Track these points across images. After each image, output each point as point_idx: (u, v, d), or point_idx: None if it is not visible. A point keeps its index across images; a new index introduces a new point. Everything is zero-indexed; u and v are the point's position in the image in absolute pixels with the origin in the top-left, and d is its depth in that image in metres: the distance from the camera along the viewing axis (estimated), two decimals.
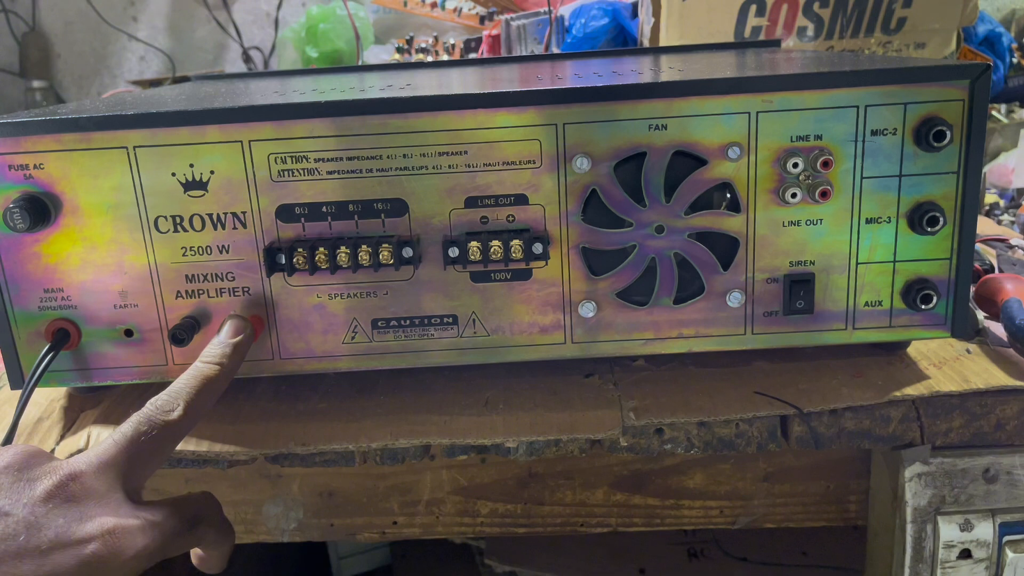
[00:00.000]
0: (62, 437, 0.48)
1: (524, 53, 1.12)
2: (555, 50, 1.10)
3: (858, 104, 0.43)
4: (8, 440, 0.48)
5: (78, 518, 0.35)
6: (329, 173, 0.44)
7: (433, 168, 0.44)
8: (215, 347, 0.44)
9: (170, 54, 1.71)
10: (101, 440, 0.44)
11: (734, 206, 0.45)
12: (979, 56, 1.01)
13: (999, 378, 0.47)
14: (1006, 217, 0.90)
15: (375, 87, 0.53)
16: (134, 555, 0.35)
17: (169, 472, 0.51)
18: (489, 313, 0.46)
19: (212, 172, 0.44)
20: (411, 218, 0.45)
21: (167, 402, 0.40)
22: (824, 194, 0.44)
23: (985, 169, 1.01)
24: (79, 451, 0.47)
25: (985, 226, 0.73)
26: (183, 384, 0.41)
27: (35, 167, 0.43)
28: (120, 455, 0.37)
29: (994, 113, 1.12)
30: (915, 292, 0.46)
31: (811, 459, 0.52)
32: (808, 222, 0.45)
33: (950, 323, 0.47)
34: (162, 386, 0.52)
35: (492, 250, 0.44)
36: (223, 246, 0.45)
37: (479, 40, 1.22)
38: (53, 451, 0.48)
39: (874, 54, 0.96)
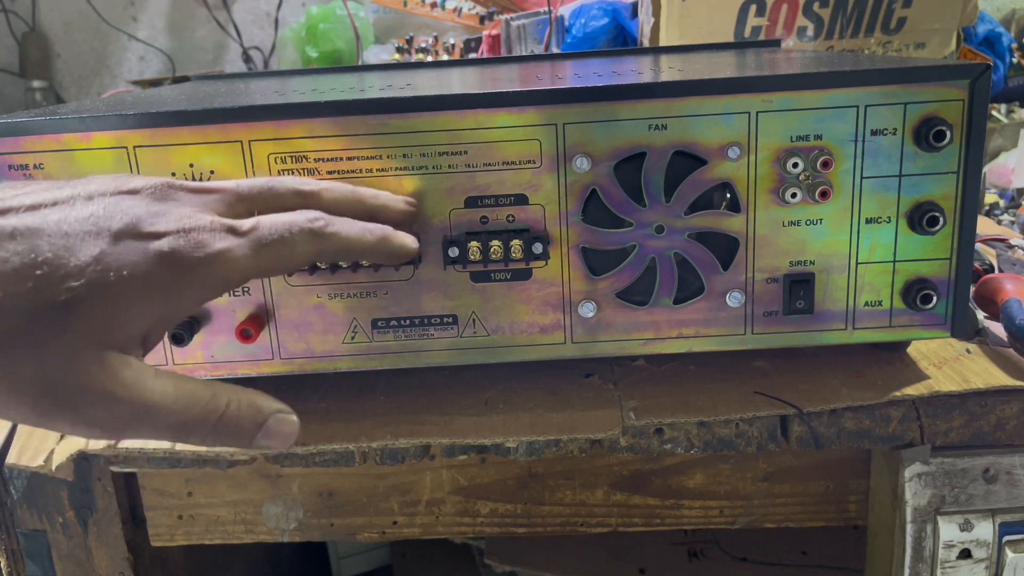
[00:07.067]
0: (62, 436, 0.48)
1: (524, 53, 1.12)
2: (555, 50, 1.10)
3: (858, 104, 0.43)
4: (8, 441, 0.48)
5: (158, 213, 0.32)
6: (329, 173, 0.44)
7: (433, 168, 0.44)
8: (382, 192, 0.42)
9: (170, 54, 1.71)
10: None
11: (734, 206, 0.45)
12: (979, 56, 1.01)
13: (999, 378, 0.47)
14: (1006, 217, 0.90)
15: (375, 87, 0.53)
16: (210, 259, 0.32)
17: (169, 472, 0.51)
18: (489, 313, 0.46)
19: (212, 172, 0.44)
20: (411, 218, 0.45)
21: (310, 180, 0.39)
22: (824, 194, 0.44)
23: (985, 169, 1.01)
24: (79, 452, 0.47)
25: (985, 226, 0.73)
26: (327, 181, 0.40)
27: (35, 167, 0.43)
28: (232, 194, 0.36)
29: (994, 113, 1.12)
30: (915, 292, 0.46)
31: (811, 459, 0.52)
32: (808, 222, 0.45)
33: (950, 323, 0.47)
34: None
35: (492, 250, 0.44)
36: None
37: (479, 40, 1.22)
38: (52, 451, 0.48)
39: (874, 54, 0.96)
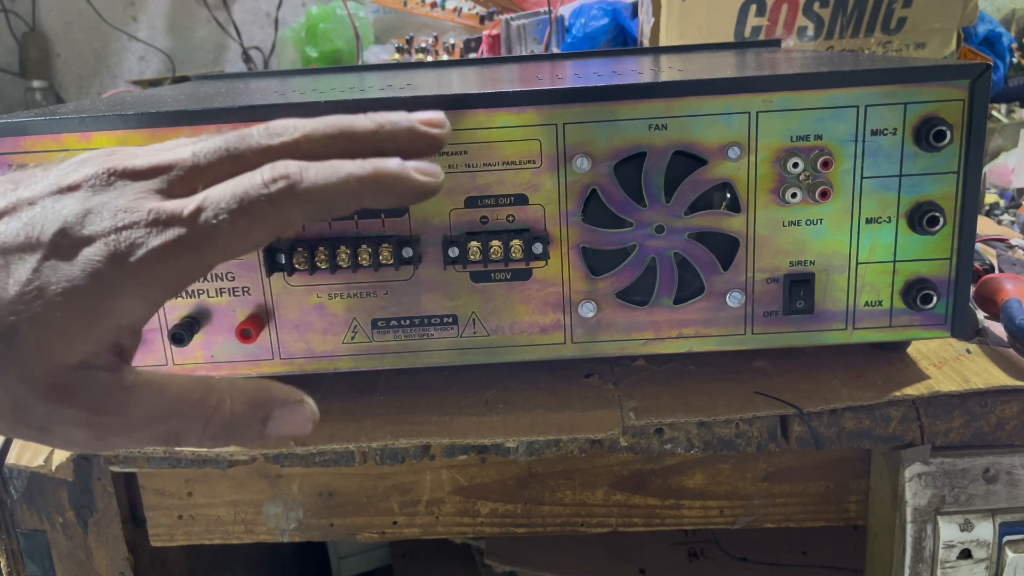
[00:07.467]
0: None
1: (524, 53, 1.12)
2: (555, 50, 1.10)
3: (858, 104, 0.43)
4: (8, 441, 0.48)
5: (91, 211, 0.28)
6: None
7: None
8: (390, 112, 0.33)
9: (170, 54, 1.71)
10: None
11: (734, 206, 0.45)
12: (979, 56, 1.01)
13: (999, 378, 0.47)
14: (1006, 217, 0.90)
15: (375, 87, 0.53)
16: (148, 259, 0.28)
17: (169, 472, 0.51)
18: (489, 313, 0.46)
19: None
20: (411, 218, 0.45)
21: (283, 127, 0.32)
22: (824, 194, 0.44)
23: (985, 169, 1.01)
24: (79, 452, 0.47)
25: (985, 226, 0.73)
26: (308, 120, 0.32)
27: (34, 167, 0.43)
28: (184, 167, 0.30)
29: (994, 113, 1.12)
30: (915, 292, 0.46)
31: (811, 459, 0.52)
32: (808, 222, 0.45)
33: (950, 323, 0.47)
34: None
35: (492, 250, 0.44)
36: None
37: (479, 40, 1.22)
38: (52, 451, 0.48)
39: (874, 54, 0.96)
